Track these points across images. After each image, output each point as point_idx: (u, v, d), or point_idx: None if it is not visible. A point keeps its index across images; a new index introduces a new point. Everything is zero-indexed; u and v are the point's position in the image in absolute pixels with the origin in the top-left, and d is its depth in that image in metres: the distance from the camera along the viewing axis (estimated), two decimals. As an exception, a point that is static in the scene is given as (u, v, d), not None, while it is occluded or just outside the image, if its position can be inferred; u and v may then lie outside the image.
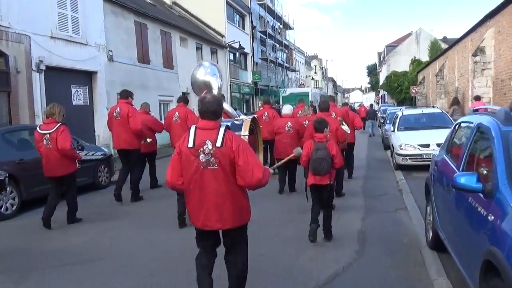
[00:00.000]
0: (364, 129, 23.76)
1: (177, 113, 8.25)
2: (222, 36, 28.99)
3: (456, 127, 5.01)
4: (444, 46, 43.72)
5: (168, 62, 21.51)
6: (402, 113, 13.21)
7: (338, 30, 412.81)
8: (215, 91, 8.02)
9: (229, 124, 4.28)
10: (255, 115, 8.87)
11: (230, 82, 29.52)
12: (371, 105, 30.25)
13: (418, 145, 10.93)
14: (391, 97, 51.89)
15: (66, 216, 6.93)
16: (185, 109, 8.37)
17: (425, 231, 5.45)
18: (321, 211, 5.62)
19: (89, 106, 15.89)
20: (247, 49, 34.27)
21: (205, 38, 25.97)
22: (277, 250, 5.36)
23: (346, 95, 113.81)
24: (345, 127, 8.07)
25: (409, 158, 10.95)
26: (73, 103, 14.81)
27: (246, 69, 34.80)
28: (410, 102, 41.24)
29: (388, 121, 18.04)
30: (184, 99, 8.69)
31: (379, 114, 29.43)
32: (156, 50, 20.42)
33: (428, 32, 51.51)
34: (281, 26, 46.13)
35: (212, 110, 3.30)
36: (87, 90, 15.74)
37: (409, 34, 55.90)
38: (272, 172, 3.60)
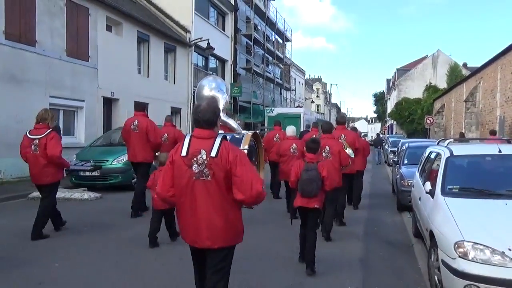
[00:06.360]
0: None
1: (136, 121, 7.99)
2: (187, 31, 22.03)
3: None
4: (466, 72, 37.07)
5: (79, 49, 14.39)
6: (451, 153, 5.51)
7: (345, 58, 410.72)
8: (221, 107, 8.54)
9: (228, 137, 4.31)
10: (257, 131, 9.22)
11: (194, 92, 22.12)
12: (378, 134, 28.84)
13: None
14: (400, 127, 45.08)
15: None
16: (146, 119, 8.09)
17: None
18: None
19: None
20: (225, 55, 27.35)
21: (155, 28, 18.90)
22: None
23: (351, 124, 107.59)
24: (349, 151, 7.24)
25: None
26: None
27: (223, 79, 27.74)
28: (424, 134, 34.76)
29: (405, 161, 10.75)
30: (141, 106, 8.41)
31: (387, 147, 24.34)
32: (54, 27, 13.34)
33: (447, 56, 44.57)
34: (276, 36, 39.32)
35: (205, 119, 3.05)
36: None
37: (424, 57, 48.91)
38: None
